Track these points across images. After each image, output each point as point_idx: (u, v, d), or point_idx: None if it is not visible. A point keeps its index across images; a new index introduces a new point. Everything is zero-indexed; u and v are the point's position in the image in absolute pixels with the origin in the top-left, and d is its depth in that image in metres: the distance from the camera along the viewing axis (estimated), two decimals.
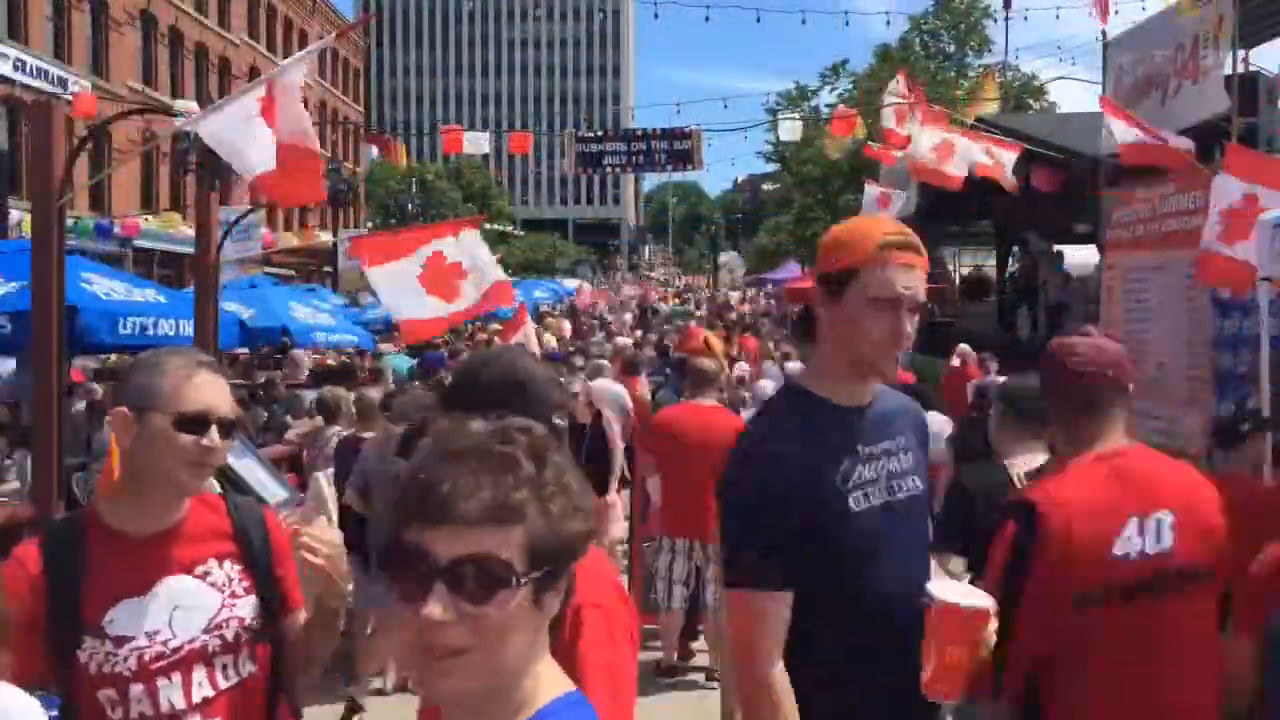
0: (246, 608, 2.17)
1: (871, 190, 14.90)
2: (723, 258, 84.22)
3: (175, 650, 2.07)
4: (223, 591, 2.15)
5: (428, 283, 6.29)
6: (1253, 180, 6.57)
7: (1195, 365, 8.06)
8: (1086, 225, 12.77)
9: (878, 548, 2.13)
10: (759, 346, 17.25)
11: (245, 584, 2.18)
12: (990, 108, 14.89)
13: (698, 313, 32.90)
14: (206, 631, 2.11)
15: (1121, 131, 7.97)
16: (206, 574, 2.14)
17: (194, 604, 2.11)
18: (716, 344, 7.87)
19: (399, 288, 6.32)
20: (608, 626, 1.75)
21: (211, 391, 2.12)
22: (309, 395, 10.47)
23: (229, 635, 2.13)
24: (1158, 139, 8.09)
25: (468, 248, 6.45)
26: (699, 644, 6.70)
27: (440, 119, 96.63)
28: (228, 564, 2.18)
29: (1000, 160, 10.41)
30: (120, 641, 2.04)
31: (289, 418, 10.45)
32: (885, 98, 12.08)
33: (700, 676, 6.48)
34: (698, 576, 6.29)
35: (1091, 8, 10.28)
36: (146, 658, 2.05)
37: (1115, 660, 2.25)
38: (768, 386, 9.22)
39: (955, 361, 11.50)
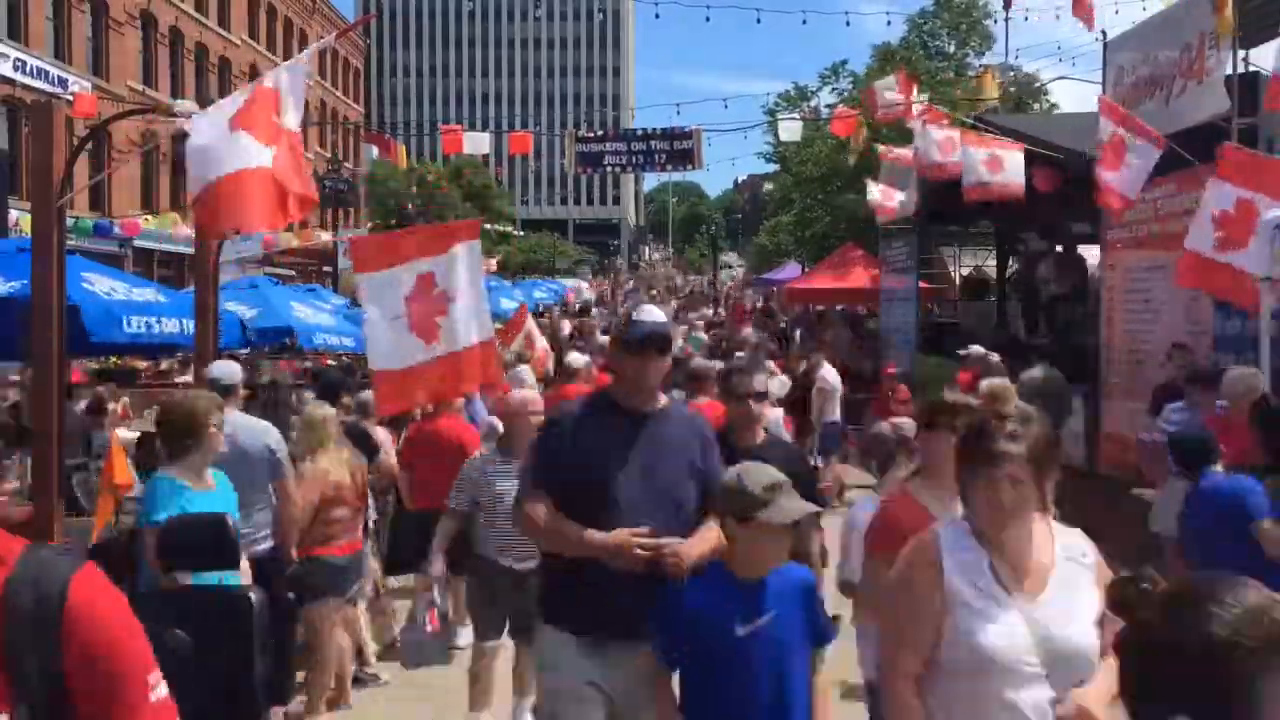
0: None
1: (874, 189, 14.87)
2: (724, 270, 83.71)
3: None
4: None
5: (412, 309, 5.78)
6: (1247, 186, 6.56)
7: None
8: (1086, 225, 12.77)
9: None
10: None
11: None
12: (990, 104, 14.90)
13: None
14: None
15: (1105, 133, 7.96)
16: None
17: None
18: None
19: (384, 306, 5.80)
20: None
21: None
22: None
23: None
24: (1152, 138, 8.10)
25: (460, 272, 5.89)
26: None
27: (440, 119, 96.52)
28: None
29: (1004, 164, 10.37)
30: None
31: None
32: (881, 93, 12.04)
33: None
34: None
35: (1075, 9, 10.19)
36: None
37: None
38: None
39: None
